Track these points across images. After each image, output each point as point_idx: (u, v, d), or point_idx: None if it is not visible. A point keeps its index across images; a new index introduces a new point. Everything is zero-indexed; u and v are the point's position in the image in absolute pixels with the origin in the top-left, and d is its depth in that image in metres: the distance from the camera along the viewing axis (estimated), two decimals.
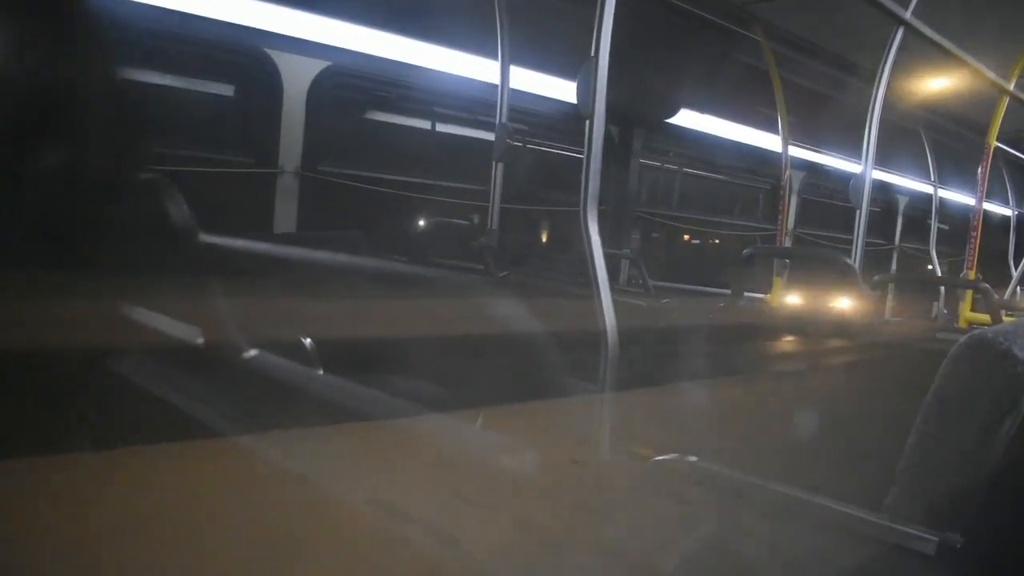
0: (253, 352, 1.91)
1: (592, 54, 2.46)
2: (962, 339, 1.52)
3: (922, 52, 4.86)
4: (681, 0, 5.53)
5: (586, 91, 2.45)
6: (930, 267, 9.14)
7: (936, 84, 6.90)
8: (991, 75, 4.98)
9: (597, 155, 2.44)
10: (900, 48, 4.63)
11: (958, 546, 1.34)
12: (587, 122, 2.49)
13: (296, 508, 1.50)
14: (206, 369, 1.89)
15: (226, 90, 5.81)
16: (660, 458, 1.83)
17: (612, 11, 2.37)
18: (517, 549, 1.51)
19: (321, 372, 2.35)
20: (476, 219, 5.58)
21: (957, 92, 7.05)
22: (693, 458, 1.79)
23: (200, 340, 1.87)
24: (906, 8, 4.50)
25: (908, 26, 4.34)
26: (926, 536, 1.37)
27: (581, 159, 2.53)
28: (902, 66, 4.78)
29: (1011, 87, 5.82)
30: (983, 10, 5.39)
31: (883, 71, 4.65)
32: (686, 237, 8.36)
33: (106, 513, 1.37)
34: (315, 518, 1.47)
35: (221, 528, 1.39)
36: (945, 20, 4.51)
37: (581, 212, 2.41)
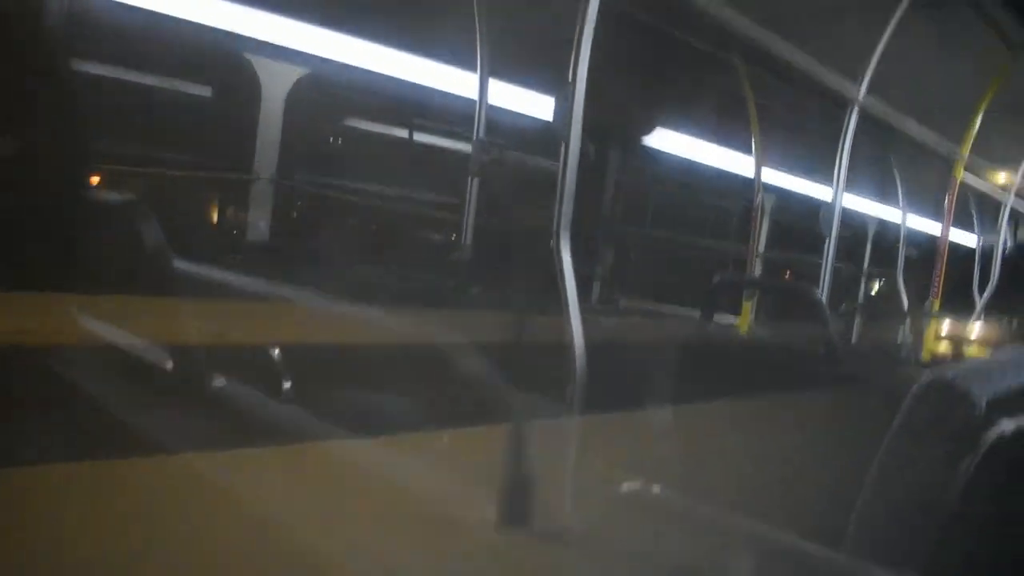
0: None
1: (569, 79, 2.48)
2: (922, 379, 1.54)
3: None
4: (662, 23, 5.58)
5: (562, 115, 2.47)
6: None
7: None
8: (940, 149, 5.22)
9: (571, 178, 2.46)
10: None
11: None
12: (562, 145, 2.50)
13: None
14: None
15: (204, 92, 5.79)
16: (626, 486, 1.84)
17: (590, 40, 2.39)
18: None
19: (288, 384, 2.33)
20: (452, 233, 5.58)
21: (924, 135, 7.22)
22: (656, 488, 1.79)
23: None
24: (859, 88, 4.65)
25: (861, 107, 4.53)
26: (884, 573, 1.38)
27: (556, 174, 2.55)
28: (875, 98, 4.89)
29: (966, 151, 6.05)
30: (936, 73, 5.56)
31: (843, 146, 4.80)
32: (658, 256, 8.42)
33: None
34: None
35: None
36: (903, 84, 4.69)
37: (553, 234, 2.42)
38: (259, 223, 5.29)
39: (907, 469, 1.50)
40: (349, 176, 6.37)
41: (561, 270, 2.33)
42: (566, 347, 2.36)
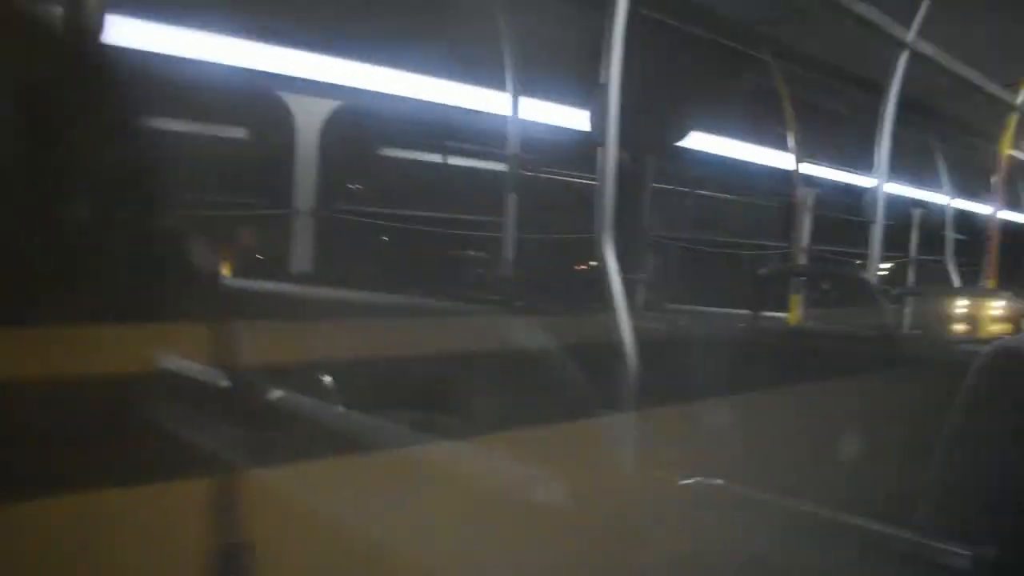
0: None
1: (601, 81, 2.49)
2: (986, 349, 1.51)
3: (930, 66, 4.86)
4: (688, 23, 5.56)
5: (598, 119, 2.48)
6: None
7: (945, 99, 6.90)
8: (997, 92, 4.99)
9: (610, 182, 2.47)
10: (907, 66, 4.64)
11: (993, 559, 1.32)
12: (599, 150, 2.51)
13: None
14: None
15: (239, 133, 5.89)
16: (686, 481, 1.82)
17: (620, 40, 2.39)
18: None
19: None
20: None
21: (967, 102, 7.06)
22: (719, 480, 1.78)
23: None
24: (908, 30, 4.51)
25: (912, 50, 4.36)
26: (959, 551, 1.35)
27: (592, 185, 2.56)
28: (911, 80, 4.78)
29: (1018, 101, 5.82)
30: (987, 24, 5.37)
31: (889, 95, 4.66)
32: (700, 258, 8.37)
33: None
34: None
35: None
36: (948, 34, 4.52)
37: (597, 238, 2.43)
38: (302, 252, 5.38)
39: (976, 442, 1.47)
40: (388, 202, 6.44)
41: (606, 271, 2.33)
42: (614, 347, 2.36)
